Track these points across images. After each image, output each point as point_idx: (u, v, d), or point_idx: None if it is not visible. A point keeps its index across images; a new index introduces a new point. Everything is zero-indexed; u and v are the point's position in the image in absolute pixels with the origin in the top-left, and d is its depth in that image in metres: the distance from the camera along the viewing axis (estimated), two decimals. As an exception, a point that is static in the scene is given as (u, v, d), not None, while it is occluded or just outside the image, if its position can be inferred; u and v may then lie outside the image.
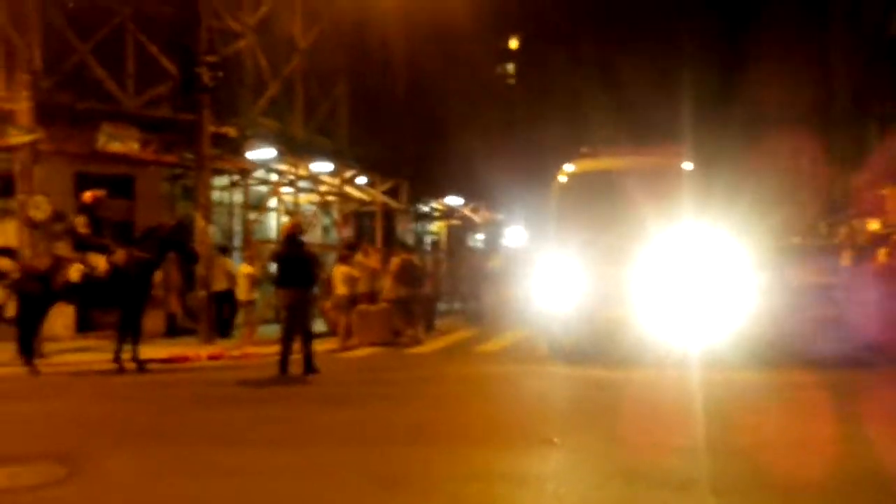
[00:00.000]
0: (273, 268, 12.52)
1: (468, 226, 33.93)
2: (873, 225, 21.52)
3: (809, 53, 28.86)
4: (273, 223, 21.13)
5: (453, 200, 30.60)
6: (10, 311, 16.21)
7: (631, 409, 8.16)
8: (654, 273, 11.20)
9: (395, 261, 15.93)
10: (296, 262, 11.09)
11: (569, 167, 12.73)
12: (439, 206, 30.99)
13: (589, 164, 12.92)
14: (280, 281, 11.18)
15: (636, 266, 11.26)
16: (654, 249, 11.24)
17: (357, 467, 5.99)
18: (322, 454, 6.50)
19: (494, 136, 31.15)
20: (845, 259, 15.07)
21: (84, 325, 16.04)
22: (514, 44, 41.46)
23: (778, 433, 7.05)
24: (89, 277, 11.84)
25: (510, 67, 41.85)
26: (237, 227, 20.02)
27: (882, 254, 15.19)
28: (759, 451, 6.25)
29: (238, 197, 19.90)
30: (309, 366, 11.04)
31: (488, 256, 20.79)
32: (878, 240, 16.70)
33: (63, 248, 15.62)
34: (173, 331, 16.82)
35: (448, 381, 10.89)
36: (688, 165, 12.31)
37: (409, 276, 15.54)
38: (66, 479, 5.84)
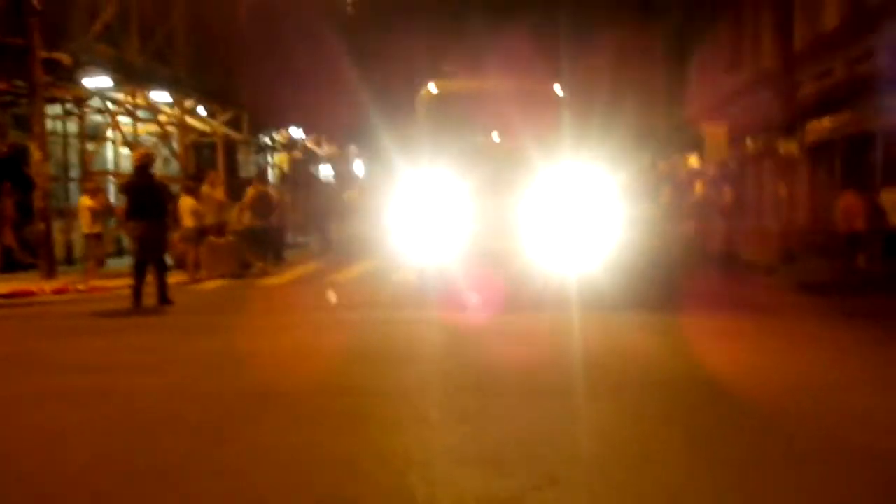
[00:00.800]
0: (121, 199, 12.37)
1: (311, 158, 33.87)
2: (693, 160, 23.27)
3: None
4: (110, 154, 20.50)
5: (295, 132, 30.45)
6: None
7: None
8: (530, 202, 10.65)
9: (251, 191, 15.94)
10: (147, 193, 11.03)
11: (433, 87, 11.94)
12: (281, 138, 30.77)
13: (456, 85, 12.35)
14: (132, 212, 11.05)
15: (510, 194, 10.63)
16: (527, 177, 10.67)
17: (223, 388, 6.26)
18: (188, 378, 6.74)
19: (337, 65, 31.01)
20: (664, 194, 16.45)
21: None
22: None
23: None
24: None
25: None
26: (73, 158, 19.29)
27: (698, 186, 16.69)
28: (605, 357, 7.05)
29: (73, 127, 19.16)
30: (164, 297, 11.12)
31: (340, 188, 20.92)
32: (695, 174, 18.26)
33: None
34: (10, 265, 16.25)
35: (299, 311, 11.13)
36: (559, 90, 11.90)
37: (263, 207, 15.64)
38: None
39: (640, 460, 4.43)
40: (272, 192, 17.08)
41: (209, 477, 4.29)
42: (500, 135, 11.57)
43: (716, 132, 21.02)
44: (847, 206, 14.59)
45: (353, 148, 34.55)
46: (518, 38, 23.05)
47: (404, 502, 3.91)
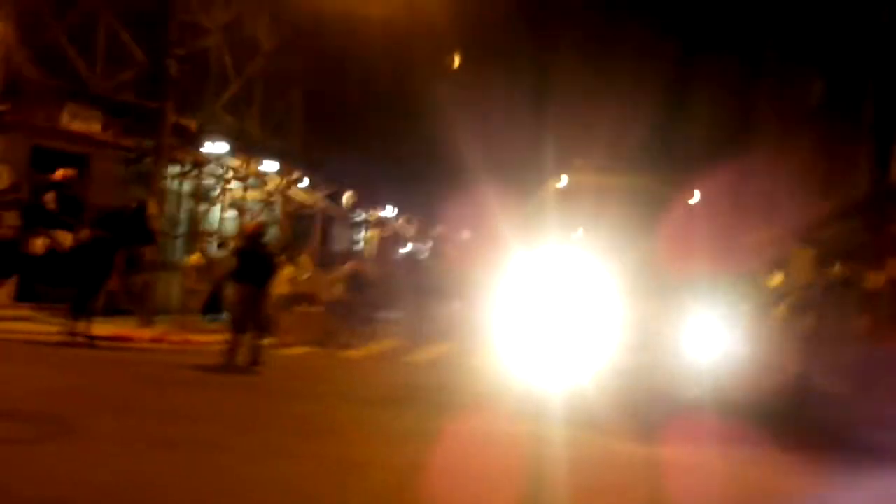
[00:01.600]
0: (228, 261, 13.29)
1: (399, 236, 34.93)
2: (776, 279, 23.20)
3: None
4: (217, 215, 21.77)
5: (389, 211, 31.62)
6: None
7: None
8: (669, 311, 9.74)
9: (349, 266, 16.67)
10: (256, 260, 11.89)
11: (567, 178, 11.58)
12: (373, 216, 31.95)
13: (591, 179, 11.79)
14: (240, 276, 11.92)
15: (651, 302, 9.70)
16: (665, 283, 9.85)
17: (310, 452, 6.77)
18: (276, 439, 7.28)
19: (437, 150, 32.24)
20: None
21: (24, 296, 16.46)
22: (454, 62, 42.58)
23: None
24: (52, 252, 12.44)
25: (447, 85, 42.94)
26: (182, 216, 20.58)
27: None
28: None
29: (186, 186, 20.51)
30: (256, 358, 11.85)
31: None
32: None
33: (11, 218, 16.09)
34: (111, 310, 17.30)
35: (378, 386, 11.57)
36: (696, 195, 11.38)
37: (357, 282, 16.33)
38: (58, 437, 6.56)
39: None
40: (368, 268, 17.82)
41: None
42: (632, 235, 10.44)
43: (803, 254, 21.07)
44: None
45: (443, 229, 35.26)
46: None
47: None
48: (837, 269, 22.34)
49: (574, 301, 9.70)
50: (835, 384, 15.66)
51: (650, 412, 8.89)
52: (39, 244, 12.40)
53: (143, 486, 5.45)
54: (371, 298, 18.13)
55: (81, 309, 12.75)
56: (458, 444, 7.58)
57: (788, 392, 12.91)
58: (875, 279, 18.53)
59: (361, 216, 31.24)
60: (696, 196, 11.47)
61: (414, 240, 35.56)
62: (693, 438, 7.84)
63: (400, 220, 33.54)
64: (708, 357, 9.67)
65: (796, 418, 10.57)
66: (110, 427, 7.13)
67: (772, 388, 12.38)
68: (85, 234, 12.64)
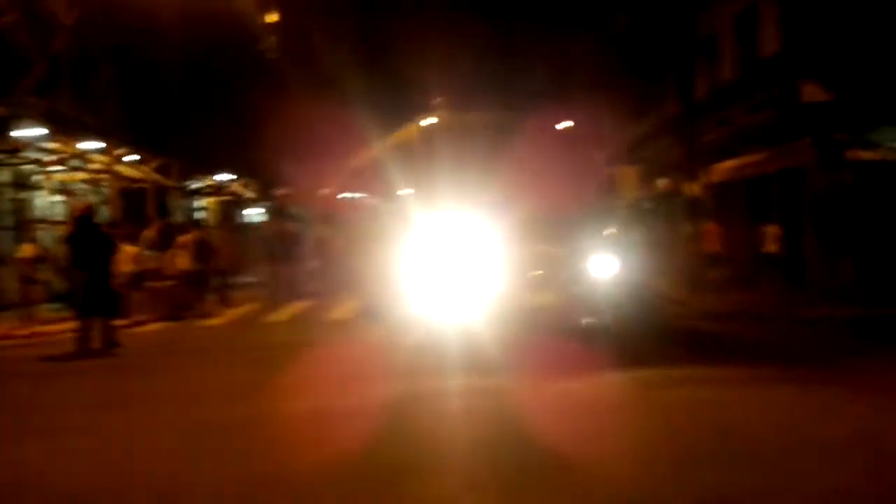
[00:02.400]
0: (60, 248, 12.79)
1: (239, 201, 34.37)
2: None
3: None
4: (39, 202, 20.75)
5: (224, 177, 30.98)
6: None
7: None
8: (548, 249, 9.87)
9: (190, 236, 16.29)
10: (91, 243, 11.54)
11: (430, 120, 11.13)
12: (209, 183, 31.23)
13: (456, 119, 11.23)
14: (76, 262, 11.54)
15: (529, 241, 9.83)
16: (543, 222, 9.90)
17: (174, 423, 6.92)
18: (146, 414, 7.40)
19: (263, 110, 31.77)
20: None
21: None
22: (273, 18, 41.81)
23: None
24: None
25: (272, 41, 42.17)
26: (4, 206, 19.51)
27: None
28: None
29: (4, 176, 19.41)
30: (110, 340, 11.61)
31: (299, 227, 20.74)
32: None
33: None
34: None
35: (240, 349, 11.72)
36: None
37: (203, 251, 16.11)
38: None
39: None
40: (211, 235, 17.56)
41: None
42: (501, 172, 10.22)
43: (627, 173, 22.37)
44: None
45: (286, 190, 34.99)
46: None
47: None
48: (660, 182, 23.95)
49: (454, 246, 9.70)
50: (671, 286, 17.03)
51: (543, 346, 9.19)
52: None
53: (17, 474, 5.46)
54: (219, 265, 17.97)
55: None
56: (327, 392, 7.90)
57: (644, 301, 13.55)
58: (691, 188, 20.06)
59: (196, 185, 30.50)
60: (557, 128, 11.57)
61: (255, 203, 35.16)
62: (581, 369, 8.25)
63: (236, 185, 32.99)
64: (600, 284, 9.82)
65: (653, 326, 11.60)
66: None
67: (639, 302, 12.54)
68: None
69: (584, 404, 7.12)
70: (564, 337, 9.43)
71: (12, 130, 18.02)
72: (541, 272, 9.71)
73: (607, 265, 9.93)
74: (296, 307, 17.01)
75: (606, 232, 10.50)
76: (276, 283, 18.58)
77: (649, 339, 10.28)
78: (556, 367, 8.30)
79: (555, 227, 9.97)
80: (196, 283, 16.18)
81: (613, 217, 11.75)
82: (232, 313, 16.61)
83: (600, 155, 11.97)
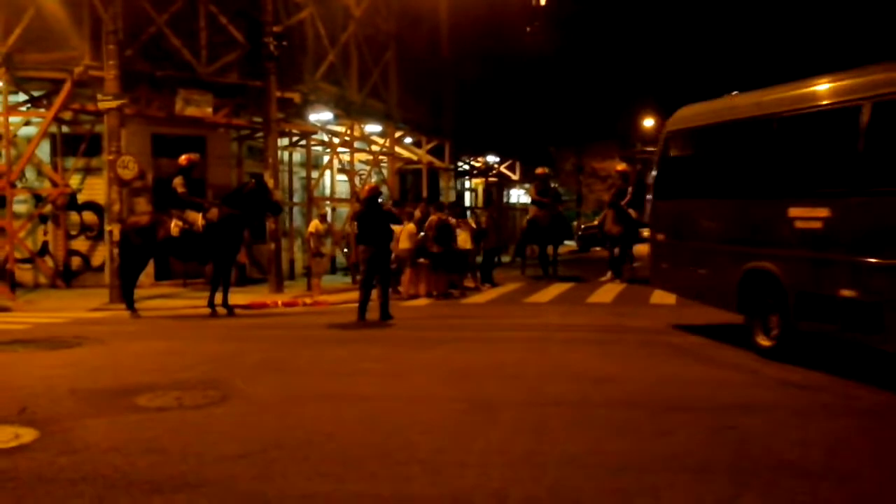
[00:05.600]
0: (354, 226, 13.86)
1: (504, 182, 35.24)
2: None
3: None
4: (328, 181, 22.50)
5: (492, 158, 31.89)
6: (96, 261, 17.93)
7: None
8: None
9: (432, 219, 16.63)
10: (376, 221, 12.40)
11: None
12: (478, 164, 32.29)
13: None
14: (362, 238, 12.46)
15: None
16: None
17: (454, 396, 7.29)
18: (418, 385, 7.89)
19: (531, 94, 32.34)
20: None
21: (161, 275, 17.61)
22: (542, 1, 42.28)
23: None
24: (186, 232, 13.29)
25: (541, 22, 42.65)
26: (295, 185, 21.39)
27: None
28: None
29: (296, 157, 21.28)
30: (386, 313, 12.44)
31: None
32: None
33: (142, 205, 17.20)
34: (242, 280, 18.29)
35: (503, 328, 12.10)
36: None
37: (443, 234, 16.36)
38: (223, 401, 7.19)
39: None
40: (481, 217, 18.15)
41: (451, 467, 5.28)
42: None
43: None
44: None
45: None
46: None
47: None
48: None
49: None
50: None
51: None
52: (174, 226, 13.23)
53: (319, 436, 6.02)
54: (487, 245, 18.61)
55: (219, 282, 13.61)
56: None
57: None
58: None
59: (465, 166, 31.65)
60: None
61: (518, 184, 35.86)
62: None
63: (503, 166, 33.81)
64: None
65: None
66: (269, 387, 7.78)
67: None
68: (214, 212, 13.40)
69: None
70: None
71: (306, 115, 19.71)
72: None
73: None
74: (556, 289, 17.21)
75: None
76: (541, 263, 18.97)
77: None
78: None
79: None
80: (443, 264, 16.59)
81: None
82: (495, 292, 17.11)
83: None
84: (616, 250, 19.04)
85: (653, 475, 5.03)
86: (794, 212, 8.30)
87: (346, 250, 19.58)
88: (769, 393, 7.34)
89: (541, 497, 4.70)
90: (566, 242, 25.76)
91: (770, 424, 6.21)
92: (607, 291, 16.73)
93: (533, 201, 20.55)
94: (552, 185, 22.77)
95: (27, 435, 6.05)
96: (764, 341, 8.87)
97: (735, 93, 10.53)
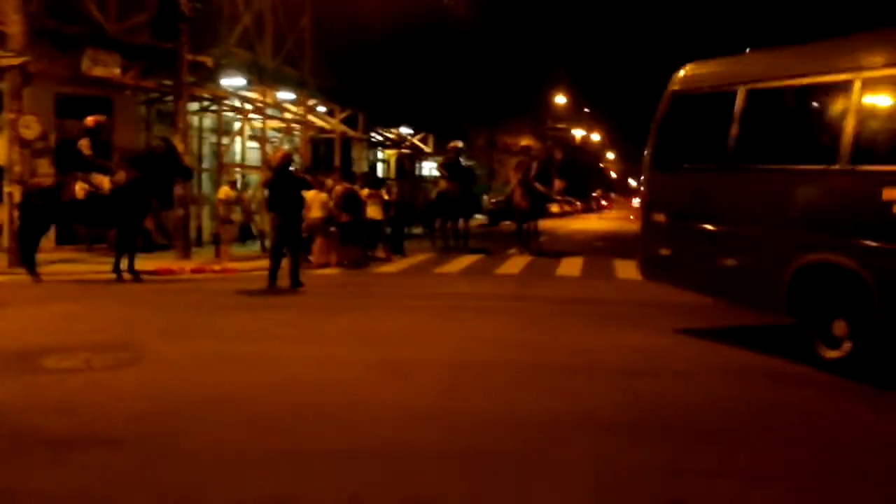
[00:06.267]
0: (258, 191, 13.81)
1: (417, 154, 35.36)
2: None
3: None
4: (238, 148, 22.23)
5: (405, 130, 31.96)
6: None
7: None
8: None
9: (338, 189, 16.61)
10: (287, 189, 12.40)
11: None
12: (391, 135, 32.31)
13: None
14: (273, 205, 12.45)
15: None
16: None
17: (366, 359, 7.43)
18: (330, 348, 7.98)
19: (446, 68, 32.46)
20: None
21: (63, 239, 17.15)
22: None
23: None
24: (92, 196, 12.99)
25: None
26: (205, 150, 21.08)
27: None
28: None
29: (207, 122, 20.95)
30: (296, 280, 12.48)
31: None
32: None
33: (44, 166, 16.69)
34: (148, 246, 17.96)
35: (413, 296, 12.28)
36: None
37: (350, 204, 16.42)
38: (133, 363, 7.19)
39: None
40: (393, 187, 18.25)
41: (366, 424, 5.48)
42: None
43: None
44: None
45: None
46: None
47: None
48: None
49: None
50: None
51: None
52: (79, 189, 12.92)
53: (233, 395, 6.10)
54: (395, 215, 18.75)
55: (125, 247, 13.37)
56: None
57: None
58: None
59: (379, 137, 31.64)
60: None
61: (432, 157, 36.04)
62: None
63: (416, 139, 33.92)
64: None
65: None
66: (180, 350, 7.80)
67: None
68: (121, 176, 13.13)
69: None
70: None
71: (218, 80, 19.41)
72: None
73: None
74: (466, 260, 17.52)
75: None
76: (447, 236, 19.23)
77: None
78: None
79: None
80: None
81: None
82: (405, 262, 17.31)
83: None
84: (524, 225, 19.48)
85: (559, 430, 5.32)
86: (892, 193, 6.44)
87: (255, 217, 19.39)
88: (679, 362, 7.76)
89: (451, 451, 4.92)
90: (476, 217, 26.17)
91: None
92: (515, 263, 17.12)
93: (440, 175, 20.81)
94: (461, 160, 23.04)
95: (-72, 397, 5.96)
96: (830, 353, 7.10)
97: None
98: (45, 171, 16.19)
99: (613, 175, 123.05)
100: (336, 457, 4.79)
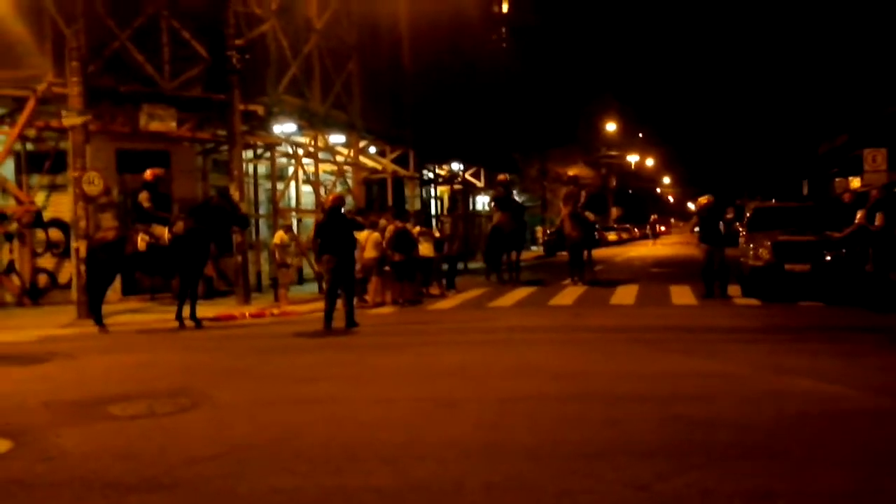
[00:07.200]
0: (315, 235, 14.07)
1: (470, 189, 35.62)
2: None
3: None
4: (293, 192, 22.71)
5: (456, 166, 32.28)
6: (63, 278, 17.97)
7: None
8: None
9: (390, 228, 16.72)
10: (339, 231, 12.64)
11: None
12: (442, 172, 32.64)
13: None
14: (326, 248, 12.67)
15: None
16: None
17: (417, 396, 7.58)
18: (383, 386, 8.14)
19: (494, 101, 32.78)
20: None
21: (128, 290, 17.72)
22: (505, 7, 42.89)
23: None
24: (153, 247, 13.44)
25: (503, 31, 43.20)
26: (261, 196, 21.60)
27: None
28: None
29: (261, 169, 21.49)
30: (351, 320, 12.69)
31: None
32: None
33: (108, 220, 17.29)
34: (210, 293, 18.44)
35: (467, 331, 12.44)
36: None
37: (401, 242, 16.51)
38: (193, 408, 7.41)
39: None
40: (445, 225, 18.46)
41: (412, 459, 5.58)
42: None
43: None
44: None
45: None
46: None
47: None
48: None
49: None
50: None
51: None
52: (140, 241, 13.37)
53: (287, 436, 6.26)
54: (449, 252, 18.91)
55: (187, 295, 13.77)
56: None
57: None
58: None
59: (430, 175, 31.98)
60: None
61: (482, 191, 36.27)
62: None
63: (468, 174, 34.19)
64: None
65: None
66: (238, 393, 8.00)
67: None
68: (180, 226, 13.56)
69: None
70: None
71: (270, 127, 19.96)
72: None
73: None
74: (520, 293, 17.57)
75: None
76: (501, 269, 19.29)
77: None
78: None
79: None
80: (402, 272, 16.75)
81: None
82: (460, 298, 17.43)
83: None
84: (578, 254, 19.47)
85: (601, 460, 5.35)
86: None
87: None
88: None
89: (497, 483, 4.99)
90: (532, 248, 26.22)
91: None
92: (569, 294, 17.14)
93: (494, 207, 20.98)
94: (513, 193, 23.15)
95: (2, 445, 6.22)
96: None
97: None
98: (108, 224, 16.77)
99: (671, 199, 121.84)
100: (379, 492, 4.90)
